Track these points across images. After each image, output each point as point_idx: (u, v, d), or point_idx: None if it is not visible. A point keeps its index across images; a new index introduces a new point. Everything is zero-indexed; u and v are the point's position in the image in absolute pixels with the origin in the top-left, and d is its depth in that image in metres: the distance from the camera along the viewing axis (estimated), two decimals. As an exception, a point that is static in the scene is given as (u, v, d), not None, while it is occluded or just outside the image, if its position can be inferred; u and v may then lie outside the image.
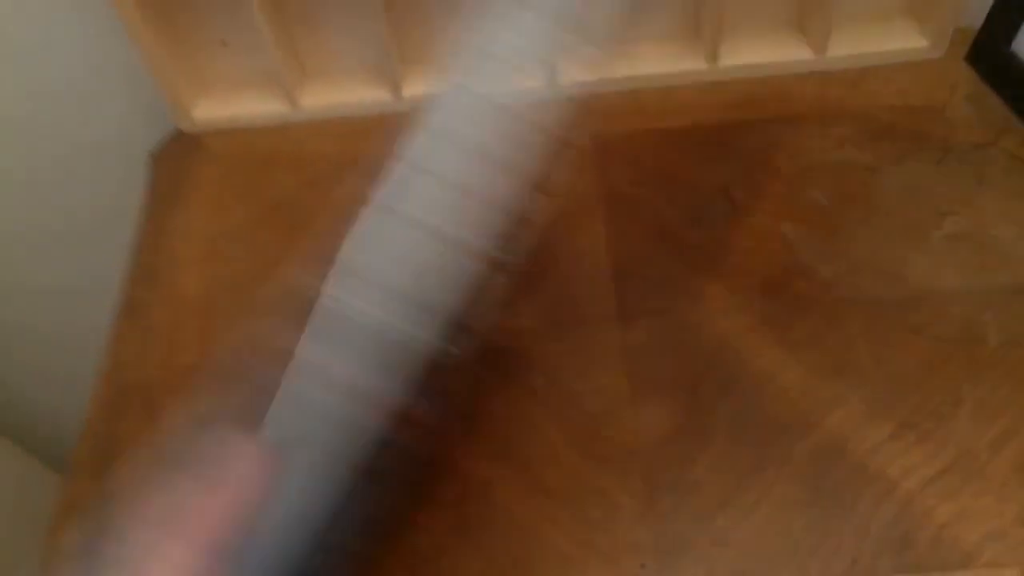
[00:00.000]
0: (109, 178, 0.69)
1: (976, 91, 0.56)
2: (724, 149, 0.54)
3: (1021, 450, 0.40)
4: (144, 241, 0.53)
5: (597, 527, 0.40)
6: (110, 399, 0.45)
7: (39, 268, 0.78)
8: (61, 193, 0.70)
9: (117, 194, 0.67)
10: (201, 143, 0.58)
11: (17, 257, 0.76)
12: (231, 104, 0.59)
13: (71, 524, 0.39)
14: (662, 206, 0.51)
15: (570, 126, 0.54)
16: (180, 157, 0.57)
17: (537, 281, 0.48)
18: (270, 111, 0.58)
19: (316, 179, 0.53)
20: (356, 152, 0.52)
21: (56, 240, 0.75)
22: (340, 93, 0.58)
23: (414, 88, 0.58)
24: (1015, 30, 0.54)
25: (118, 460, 0.42)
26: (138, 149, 0.59)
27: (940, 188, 0.51)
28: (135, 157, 0.59)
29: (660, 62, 0.58)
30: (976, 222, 0.49)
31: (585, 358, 0.45)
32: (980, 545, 0.38)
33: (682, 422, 0.43)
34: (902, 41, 0.58)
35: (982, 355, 0.44)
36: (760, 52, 0.57)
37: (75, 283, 0.78)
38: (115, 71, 0.61)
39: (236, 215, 0.53)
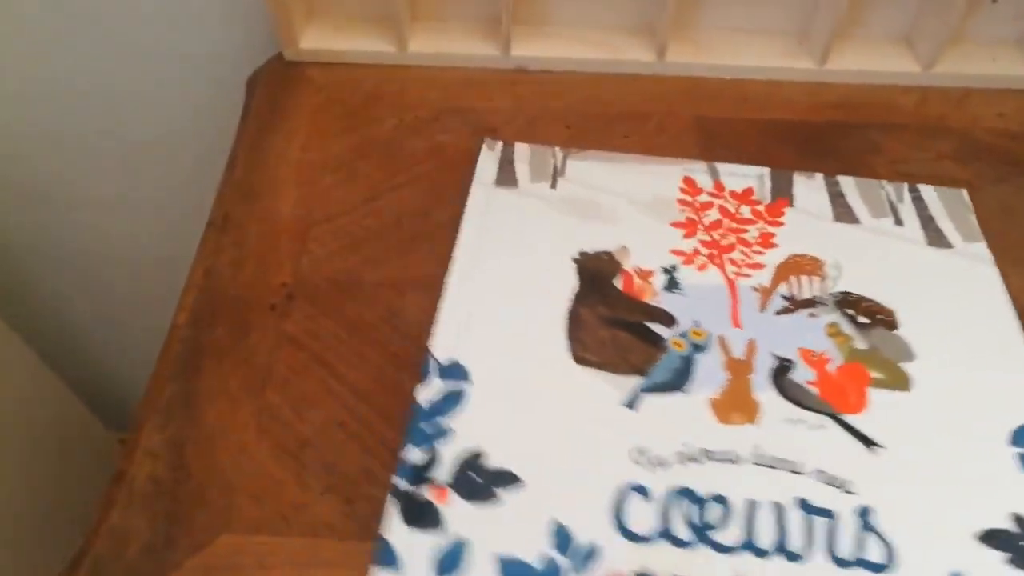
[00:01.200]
0: (208, 96, 0.70)
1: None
2: (825, 147, 0.56)
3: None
4: (241, 159, 0.54)
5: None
6: (200, 308, 0.46)
7: (135, 178, 0.79)
8: (161, 107, 0.72)
9: (215, 113, 0.69)
10: (304, 72, 0.60)
11: (116, 168, 0.78)
12: (339, 38, 0.60)
13: (153, 424, 0.41)
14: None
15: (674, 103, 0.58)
16: (281, 83, 0.59)
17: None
18: (377, 50, 0.59)
19: (417, 123, 0.54)
20: (458, 102, 0.58)
21: (152, 152, 0.76)
22: (450, 42, 0.60)
23: (523, 48, 0.59)
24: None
25: (204, 367, 0.43)
26: (239, 71, 0.60)
27: None
28: (235, 79, 0.60)
29: (769, 56, 0.60)
30: None
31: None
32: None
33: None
34: (1008, 67, 0.61)
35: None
36: (868, 59, 0.61)
37: (167, 196, 0.80)
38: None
39: (334, 146, 0.55)
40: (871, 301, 0.46)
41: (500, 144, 0.56)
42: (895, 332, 0.45)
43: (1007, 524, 0.37)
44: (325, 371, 0.43)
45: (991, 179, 0.55)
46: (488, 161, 0.54)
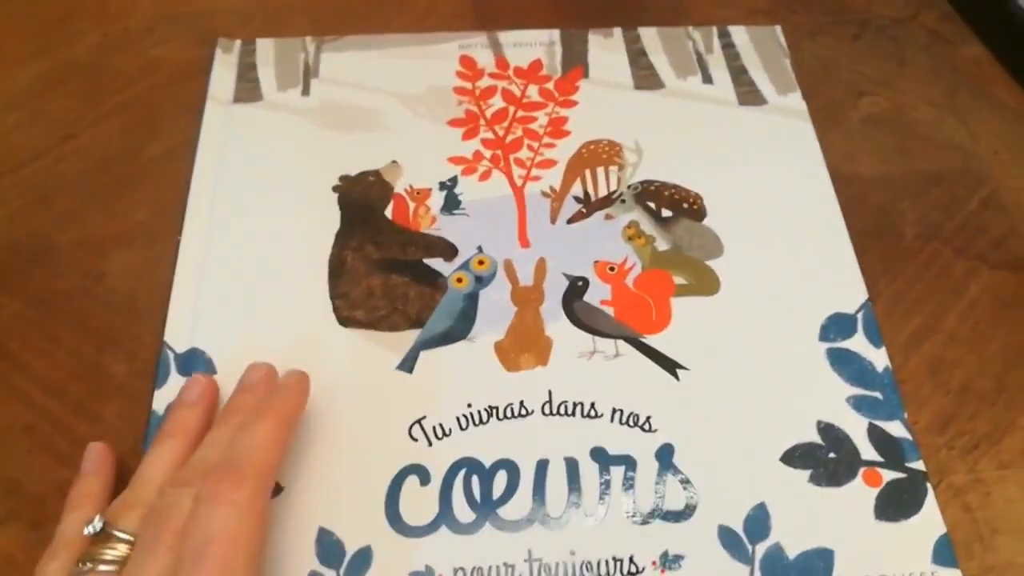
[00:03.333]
0: None
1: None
2: (622, 9, 0.48)
3: (933, 352, 0.38)
4: None
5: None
6: None
7: None
8: None
9: None
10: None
11: None
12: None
13: None
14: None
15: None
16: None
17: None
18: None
19: (126, 36, 0.46)
20: (179, 6, 0.47)
21: None
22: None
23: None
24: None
25: None
26: None
27: (858, 66, 0.47)
28: None
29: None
30: (895, 103, 0.45)
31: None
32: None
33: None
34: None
35: (898, 247, 0.41)
36: None
37: None
38: None
39: (18, 77, 0.45)
40: (675, 188, 0.41)
41: (238, 44, 0.45)
42: (703, 223, 0.40)
43: (812, 436, 0.34)
44: (6, 364, 0.36)
45: (807, 32, 0.48)
46: (224, 70, 0.44)
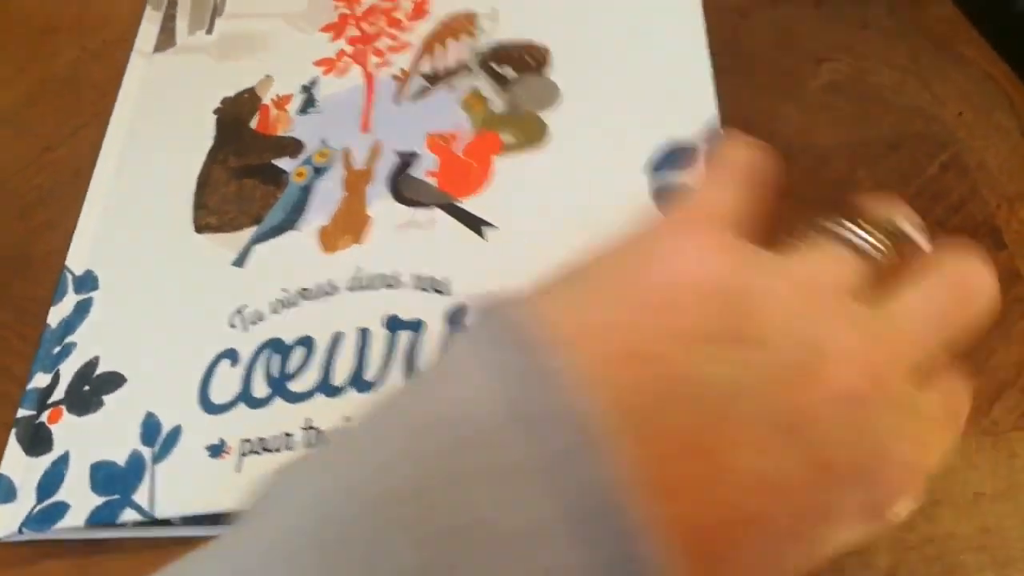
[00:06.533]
0: None
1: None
2: None
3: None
4: None
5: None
6: None
7: None
8: None
9: None
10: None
11: None
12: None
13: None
14: None
15: None
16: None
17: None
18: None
19: (103, 49, 0.47)
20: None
21: None
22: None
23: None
24: None
25: None
26: None
27: (819, 33, 0.42)
28: None
29: None
30: (856, 69, 0.41)
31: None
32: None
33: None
34: None
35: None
36: None
37: None
38: None
39: (2, 97, 0.47)
40: (525, 46, 0.37)
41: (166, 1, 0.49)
42: (543, 75, 0.36)
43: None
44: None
45: (767, 1, 0.43)
46: (149, 25, 0.48)
